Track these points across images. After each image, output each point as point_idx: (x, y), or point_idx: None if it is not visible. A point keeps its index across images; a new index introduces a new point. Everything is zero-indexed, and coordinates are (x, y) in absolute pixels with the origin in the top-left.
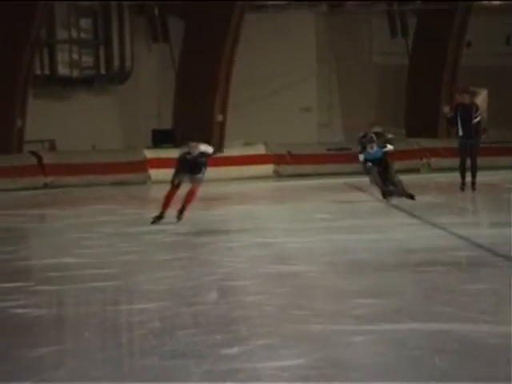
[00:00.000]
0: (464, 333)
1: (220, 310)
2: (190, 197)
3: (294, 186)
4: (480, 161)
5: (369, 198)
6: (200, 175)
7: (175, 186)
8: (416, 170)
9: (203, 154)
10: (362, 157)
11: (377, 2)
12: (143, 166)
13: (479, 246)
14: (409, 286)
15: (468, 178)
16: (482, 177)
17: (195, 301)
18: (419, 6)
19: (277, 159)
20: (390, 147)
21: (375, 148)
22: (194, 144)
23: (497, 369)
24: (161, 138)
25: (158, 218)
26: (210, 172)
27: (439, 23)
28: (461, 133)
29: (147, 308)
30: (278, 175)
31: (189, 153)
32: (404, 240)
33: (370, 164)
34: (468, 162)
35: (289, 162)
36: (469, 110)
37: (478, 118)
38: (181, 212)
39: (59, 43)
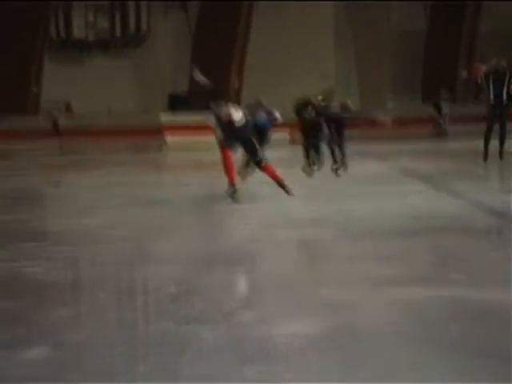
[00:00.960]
0: (478, 301)
1: (234, 275)
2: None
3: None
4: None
5: (382, 165)
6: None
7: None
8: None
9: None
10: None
11: None
12: (159, 130)
13: (494, 212)
14: (422, 253)
15: (492, 148)
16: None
17: (210, 266)
18: None
19: (292, 125)
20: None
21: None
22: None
23: (510, 338)
24: (177, 103)
25: (234, 192)
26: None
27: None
28: (492, 100)
29: (163, 272)
30: (293, 142)
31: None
32: (417, 206)
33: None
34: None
35: None
36: (503, 77)
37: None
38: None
39: (75, 7)
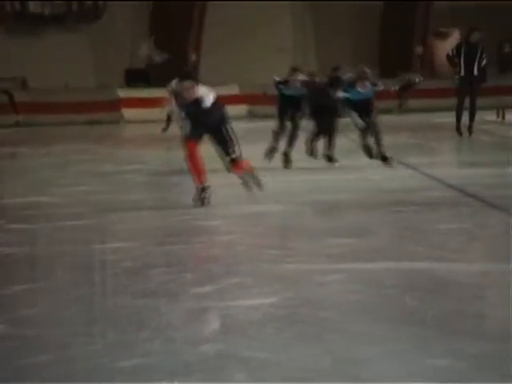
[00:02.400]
0: (436, 271)
1: (192, 249)
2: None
3: (269, 126)
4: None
5: (342, 138)
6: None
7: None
8: (389, 111)
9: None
10: (343, 94)
11: None
12: (116, 105)
13: (451, 186)
14: (381, 226)
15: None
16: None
17: (167, 240)
18: None
19: (251, 99)
20: (381, 86)
21: (368, 86)
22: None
23: (465, 305)
24: (134, 78)
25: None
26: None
27: None
28: (463, 73)
29: (119, 247)
30: (251, 115)
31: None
32: (377, 180)
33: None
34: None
35: (263, 102)
36: (475, 50)
37: (485, 60)
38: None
39: None
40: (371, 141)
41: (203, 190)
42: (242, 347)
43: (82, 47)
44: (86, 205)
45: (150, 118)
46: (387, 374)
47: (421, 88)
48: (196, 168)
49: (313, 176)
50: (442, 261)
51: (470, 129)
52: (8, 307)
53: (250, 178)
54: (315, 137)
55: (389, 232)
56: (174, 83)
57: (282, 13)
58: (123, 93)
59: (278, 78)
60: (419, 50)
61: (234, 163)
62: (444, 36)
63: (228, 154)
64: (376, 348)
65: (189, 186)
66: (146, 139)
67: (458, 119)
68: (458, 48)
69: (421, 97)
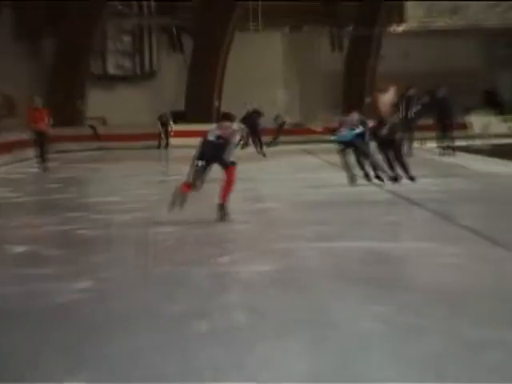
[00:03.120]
0: (377, 248)
1: (215, 232)
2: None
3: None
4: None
5: (315, 159)
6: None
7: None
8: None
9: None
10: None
11: (323, 26)
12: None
13: (389, 191)
14: (342, 217)
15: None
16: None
17: (198, 226)
18: (351, 32)
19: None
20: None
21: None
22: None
23: (398, 271)
24: (176, 117)
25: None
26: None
27: (363, 42)
28: (403, 115)
29: (165, 231)
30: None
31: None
32: (339, 187)
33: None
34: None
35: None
36: (411, 100)
37: (419, 107)
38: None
39: (109, 54)
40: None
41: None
42: (248, 299)
43: (142, 97)
44: (143, 202)
45: (186, 143)
46: (345, 315)
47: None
48: (232, 190)
49: (294, 184)
50: (382, 241)
51: (410, 150)
52: (92, 270)
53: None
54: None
55: (347, 221)
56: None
57: (276, 74)
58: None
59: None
60: (368, 100)
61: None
62: (384, 91)
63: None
64: (338, 298)
65: (212, 189)
66: (184, 158)
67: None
68: (400, 99)
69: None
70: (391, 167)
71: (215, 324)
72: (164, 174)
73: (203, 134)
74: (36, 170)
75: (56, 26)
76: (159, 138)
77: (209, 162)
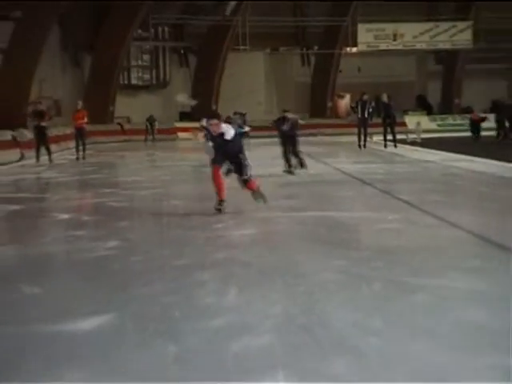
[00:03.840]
0: (336, 216)
1: (212, 206)
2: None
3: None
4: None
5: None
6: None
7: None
8: (314, 135)
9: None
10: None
11: (295, 47)
12: (174, 130)
13: (345, 173)
14: (308, 193)
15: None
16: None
17: (203, 201)
18: (317, 52)
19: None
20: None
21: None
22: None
23: (353, 234)
24: (183, 116)
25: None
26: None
27: (326, 59)
28: (360, 115)
29: (176, 204)
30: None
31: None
32: (305, 171)
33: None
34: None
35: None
36: (365, 104)
37: (371, 109)
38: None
39: (133, 68)
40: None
41: (220, 202)
42: (237, 255)
43: (157, 101)
44: (159, 181)
45: (190, 137)
46: (311, 267)
47: (331, 123)
48: (217, 185)
49: (272, 170)
50: (340, 211)
51: (364, 145)
52: (119, 232)
53: (257, 195)
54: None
55: (312, 196)
56: (204, 120)
57: (260, 84)
58: (178, 124)
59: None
60: (330, 104)
61: (245, 183)
62: (342, 97)
63: (241, 175)
64: (304, 253)
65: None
66: (189, 148)
67: (359, 139)
68: (357, 102)
69: (331, 127)
70: (287, 159)
71: (212, 273)
72: (172, 160)
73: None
74: (76, 157)
75: (93, 45)
76: (146, 134)
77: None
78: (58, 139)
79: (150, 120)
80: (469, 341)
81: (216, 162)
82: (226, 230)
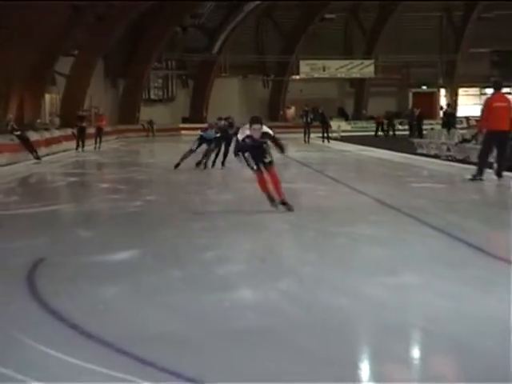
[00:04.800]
0: (285, 187)
1: (206, 179)
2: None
3: None
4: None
5: None
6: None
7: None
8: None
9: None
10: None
11: (259, 75)
12: (178, 130)
13: (294, 159)
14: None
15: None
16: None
17: (198, 175)
18: (273, 78)
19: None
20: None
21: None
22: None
23: (296, 198)
24: (185, 120)
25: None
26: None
27: (279, 83)
28: (305, 121)
29: (180, 177)
30: None
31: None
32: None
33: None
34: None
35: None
36: (307, 113)
37: (312, 116)
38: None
39: (152, 88)
40: None
41: (273, 200)
42: (221, 211)
43: (167, 110)
44: (167, 162)
45: (188, 134)
46: (270, 221)
47: (282, 125)
48: (264, 190)
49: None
50: (291, 183)
51: (308, 140)
52: (142, 196)
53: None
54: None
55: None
56: (222, 122)
57: (235, 101)
58: (181, 125)
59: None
60: (281, 112)
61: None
62: (289, 108)
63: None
64: (266, 213)
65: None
66: (188, 141)
67: (305, 136)
68: (303, 112)
69: (282, 128)
70: (225, 156)
71: (204, 223)
72: (177, 149)
73: (198, 129)
74: (93, 147)
75: (125, 73)
76: (147, 132)
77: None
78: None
79: (151, 123)
80: (371, 268)
81: (258, 169)
82: (213, 194)
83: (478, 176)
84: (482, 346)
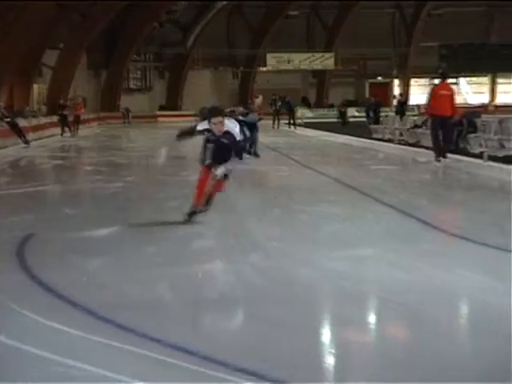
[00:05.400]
0: (256, 169)
1: (180, 163)
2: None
3: None
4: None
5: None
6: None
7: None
8: None
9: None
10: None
11: (229, 67)
12: (156, 117)
13: (265, 144)
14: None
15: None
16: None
17: (174, 160)
18: (242, 69)
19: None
20: None
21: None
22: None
23: (263, 177)
24: (162, 108)
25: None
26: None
27: (248, 74)
28: (274, 108)
29: (158, 161)
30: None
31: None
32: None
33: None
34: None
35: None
36: (275, 101)
37: (280, 104)
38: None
39: (131, 79)
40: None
41: (195, 212)
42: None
43: (145, 98)
44: (146, 147)
45: (166, 120)
46: (242, 200)
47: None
48: (200, 190)
49: None
50: (255, 165)
51: (278, 126)
52: (122, 177)
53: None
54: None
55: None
56: (201, 123)
57: (207, 91)
58: (158, 113)
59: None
60: (250, 101)
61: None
62: (257, 97)
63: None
64: (236, 190)
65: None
66: (164, 127)
67: (273, 123)
68: (272, 101)
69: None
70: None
71: (179, 202)
72: (155, 134)
73: (173, 116)
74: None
75: (107, 64)
76: (124, 119)
77: None
78: (85, 122)
79: (127, 110)
80: (330, 241)
81: (209, 164)
82: (187, 176)
83: (437, 158)
84: (430, 314)
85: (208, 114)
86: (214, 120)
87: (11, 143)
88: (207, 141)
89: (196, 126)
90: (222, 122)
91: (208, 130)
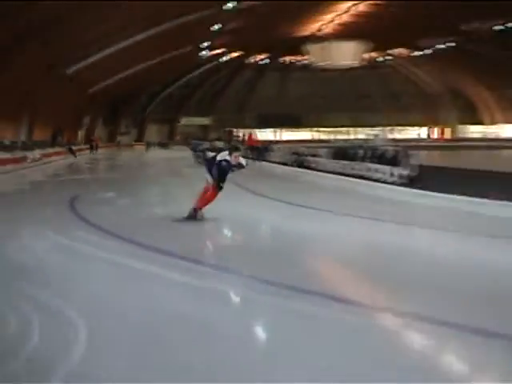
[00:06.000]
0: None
1: (158, 162)
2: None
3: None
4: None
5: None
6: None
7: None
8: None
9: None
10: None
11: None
12: (132, 145)
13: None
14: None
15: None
16: None
17: (147, 166)
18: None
19: None
20: None
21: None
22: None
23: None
24: (135, 141)
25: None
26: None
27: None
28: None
29: (135, 165)
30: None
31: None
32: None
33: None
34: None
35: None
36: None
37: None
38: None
39: (122, 128)
40: None
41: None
42: (167, 181)
43: (127, 137)
44: (129, 159)
45: (138, 146)
46: (194, 180)
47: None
48: (207, 202)
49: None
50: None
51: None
52: (118, 172)
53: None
54: None
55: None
56: (222, 154)
57: None
58: (133, 143)
59: None
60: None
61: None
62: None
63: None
64: (199, 180)
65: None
66: (134, 150)
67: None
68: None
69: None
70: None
71: (158, 189)
72: (131, 152)
73: (139, 144)
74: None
75: (111, 123)
76: (117, 146)
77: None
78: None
79: (119, 142)
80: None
81: (221, 189)
82: (161, 168)
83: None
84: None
85: (232, 149)
86: (234, 153)
87: (68, 157)
88: (222, 166)
89: (203, 149)
90: (238, 156)
91: (226, 160)
